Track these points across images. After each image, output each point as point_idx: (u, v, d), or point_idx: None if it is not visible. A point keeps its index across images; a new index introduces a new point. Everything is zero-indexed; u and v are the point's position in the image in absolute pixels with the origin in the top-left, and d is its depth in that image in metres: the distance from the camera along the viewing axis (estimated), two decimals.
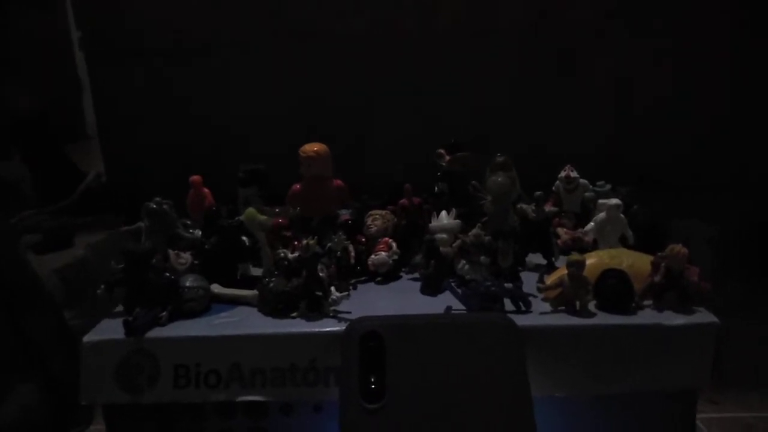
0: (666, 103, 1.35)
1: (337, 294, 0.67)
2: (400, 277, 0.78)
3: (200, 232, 0.78)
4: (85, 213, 1.48)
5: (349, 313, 0.66)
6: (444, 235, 0.75)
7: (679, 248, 0.65)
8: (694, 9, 1.31)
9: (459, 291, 0.70)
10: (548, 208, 0.80)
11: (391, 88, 1.35)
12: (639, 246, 0.77)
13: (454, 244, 0.74)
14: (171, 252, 0.71)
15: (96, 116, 1.46)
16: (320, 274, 0.67)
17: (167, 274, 0.68)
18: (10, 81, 1.49)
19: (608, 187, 0.87)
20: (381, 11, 1.33)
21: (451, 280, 0.72)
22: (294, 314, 0.66)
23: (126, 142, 1.42)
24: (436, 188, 0.86)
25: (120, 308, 0.68)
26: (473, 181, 0.84)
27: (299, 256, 0.68)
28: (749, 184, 1.36)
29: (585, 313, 0.65)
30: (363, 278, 0.77)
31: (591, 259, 0.68)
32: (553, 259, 0.78)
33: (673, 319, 0.64)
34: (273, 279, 0.68)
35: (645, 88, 1.34)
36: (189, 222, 0.80)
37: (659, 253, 0.66)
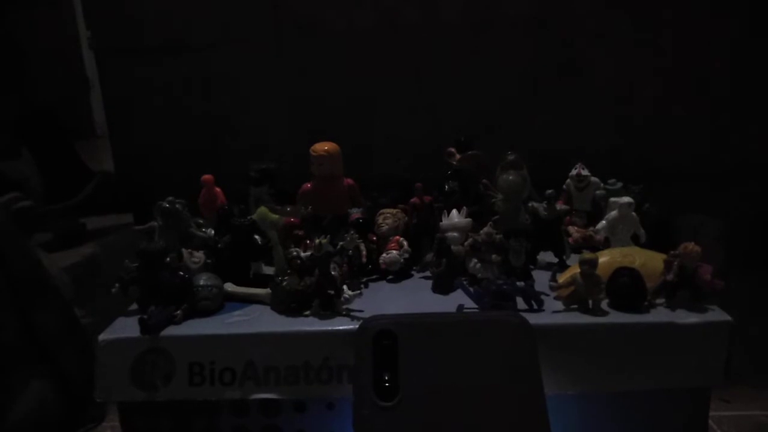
0: (667, 100, 1.34)
1: (350, 292, 0.67)
2: (412, 275, 0.79)
3: (213, 231, 0.79)
4: (95, 212, 1.48)
5: (362, 311, 0.66)
6: (455, 234, 0.75)
7: (692, 246, 0.65)
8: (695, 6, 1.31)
9: (471, 289, 0.70)
10: (559, 206, 0.80)
11: (395, 83, 1.35)
12: (650, 244, 0.77)
13: (465, 243, 0.74)
14: (184, 251, 0.72)
15: (105, 114, 1.46)
16: (332, 273, 0.67)
17: (181, 273, 0.68)
18: (20, 80, 1.50)
19: (619, 185, 0.87)
20: (383, 6, 1.33)
21: (462, 278, 0.72)
22: (307, 312, 0.67)
23: (135, 140, 1.43)
24: (446, 186, 0.86)
25: (134, 307, 0.69)
26: (484, 180, 0.84)
27: (312, 254, 0.68)
28: (751, 180, 1.36)
29: (597, 311, 0.65)
30: (374, 277, 0.77)
31: (603, 258, 0.68)
32: (565, 257, 0.78)
33: (685, 317, 0.64)
34: (286, 278, 0.68)
35: (646, 85, 1.34)
36: (201, 221, 0.81)
37: (672, 252, 0.66)
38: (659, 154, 1.35)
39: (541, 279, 0.71)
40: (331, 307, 0.66)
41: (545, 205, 0.78)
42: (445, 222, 0.77)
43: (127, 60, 1.38)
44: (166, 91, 1.38)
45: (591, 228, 0.83)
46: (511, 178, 0.78)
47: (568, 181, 0.88)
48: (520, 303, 0.67)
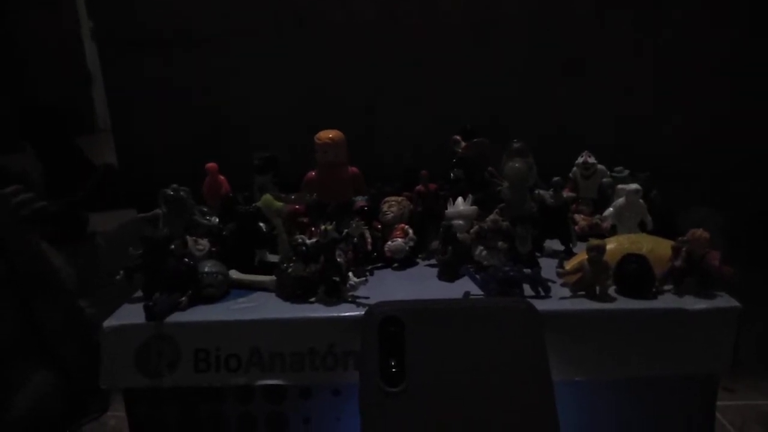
0: (668, 100, 1.34)
1: (355, 279, 0.66)
2: (417, 263, 0.78)
3: (217, 219, 0.78)
4: (98, 205, 1.48)
5: (367, 298, 0.66)
6: (461, 221, 0.75)
7: (700, 233, 0.65)
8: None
9: (477, 276, 0.69)
10: (566, 194, 0.80)
11: (398, 75, 1.34)
12: (656, 231, 0.77)
13: (471, 230, 0.73)
14: (189, 238, 0.71)
15: (108, 108, 1.46)
16: (338, 260, 0.67)
17: (186, 260, 0.68)
18: (21, 77, 1.50)
19: (626, 172, 0.86)
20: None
21: (468, 266, 0.72)
22: (312, 299, 0.66)
23: (138, 132, 1.43)
24: (451, 174, 0.85)
25: (139, 294, 0.69)
26: (489, 167, 0.83)
27: (317, 241, 0.68)
28: (751, 178, 1.35)
29: (605, 297, 0.64)
30: (379, 264, 0.77)
31: (611, 244, 0.67)
32: (571, 245, 0.77)
33: (693, 303, 0.63)
34: (291, 264, 0.68)
35: (646, 85, 1.34)
36: (206, 209, 0.80)
37: (680, 238, 0.66)
38: (659, 153, 1.34)
39: (547, 266, 0.71)
40: (336, 294, 0.66)
41: (552, 193, 0.77)
42: (450, 210, 0.76)
43: (130, 52, 1.38)
44: (168, 84, 1.38)
45: (597, 216, 0.82)
46: (517, 165, 0.77)
47: (575, 169, 0.88)
48: (527, 290, 0.66)
